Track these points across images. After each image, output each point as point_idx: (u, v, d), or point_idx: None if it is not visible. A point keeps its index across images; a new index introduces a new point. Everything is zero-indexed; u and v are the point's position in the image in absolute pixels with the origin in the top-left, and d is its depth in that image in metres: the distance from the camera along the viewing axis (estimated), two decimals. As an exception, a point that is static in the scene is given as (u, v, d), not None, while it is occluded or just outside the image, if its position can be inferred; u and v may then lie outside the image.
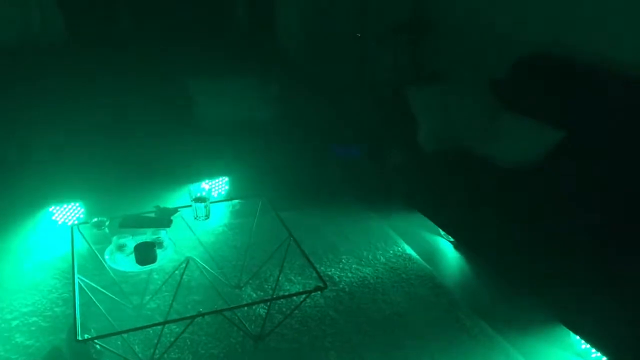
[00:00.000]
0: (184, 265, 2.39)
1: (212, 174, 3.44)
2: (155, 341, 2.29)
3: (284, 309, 2.63)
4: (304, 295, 2.50)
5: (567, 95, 3.06)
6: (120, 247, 2.43)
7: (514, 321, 2.56)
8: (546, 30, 3.46)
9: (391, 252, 3.13)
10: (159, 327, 2.26)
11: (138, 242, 2.40)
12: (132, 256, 2.38)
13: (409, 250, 3.15)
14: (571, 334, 2.32)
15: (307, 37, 4.49)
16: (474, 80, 3.51)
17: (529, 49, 3.45)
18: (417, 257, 3.08)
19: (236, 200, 3.07)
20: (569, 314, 2.25)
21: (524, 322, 2.54)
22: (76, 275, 2.25)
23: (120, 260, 2.41)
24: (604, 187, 2.53)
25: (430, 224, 3.18)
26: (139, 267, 2.38)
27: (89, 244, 2.55)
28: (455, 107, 3.22)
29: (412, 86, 3.38)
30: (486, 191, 2.76)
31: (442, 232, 3.22)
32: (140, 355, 2.33)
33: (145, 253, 2.34)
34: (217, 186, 3.46)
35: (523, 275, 2.50)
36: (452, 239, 3.16)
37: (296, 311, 2.59)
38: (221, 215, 3.39)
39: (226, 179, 3.48)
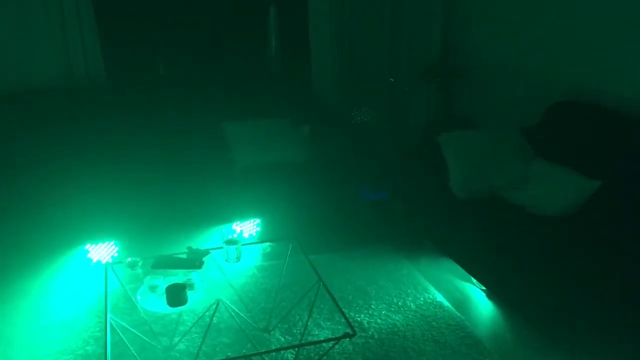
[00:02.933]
0: (214, 307, 2.41)
1: (243, 215, 3.47)
2: (183, 384, 2.29)
3: (312, 355, 2.60)
4: (332, 342, 2.48)
5: (600, 142, 3.04)
6: (152, 288, 2.47)
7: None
8: (577, 76, 3.45)
9: (422, 299, 3.09)
10: (188, 369, 2.26)
11: (169, 283, 2.43)
12: (164, 297, 2.40)
13: (440, 297, 3.10)
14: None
15: (339, 80, 4.56)
16: (505, 126, 3.52)
17: (561, 95, 3.45)
18: (448, 304, 3.04)
19: (267, 243, 3.09)
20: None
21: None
22: (108, 315, 2.28)
23: (152, 300, 2.45)
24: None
25: (462, 271, 3.14)
26: (170, 308, 2.40)
27: (122, 284, 2.58)
28: (487, 153, 3.22)
29: (443, 131, 3.40)
30: (519, 239, 2.73)
31: (474, 280, 3.17)
32: (167, 397, 2.33)
33: (176, 294, 2.36)
34: (248, 228, 3.48)
35: (557, 328, 2.43)
36: (484, 287, 3.11)
37: (324, 357, 2.56)
38: (252, 257, 3.40)
39: (257, 220, 3.51)
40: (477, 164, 3.17)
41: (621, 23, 3.16)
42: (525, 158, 3.21)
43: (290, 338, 2.74)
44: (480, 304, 3.07)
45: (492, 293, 3.05)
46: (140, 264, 2.61)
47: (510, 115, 4.00)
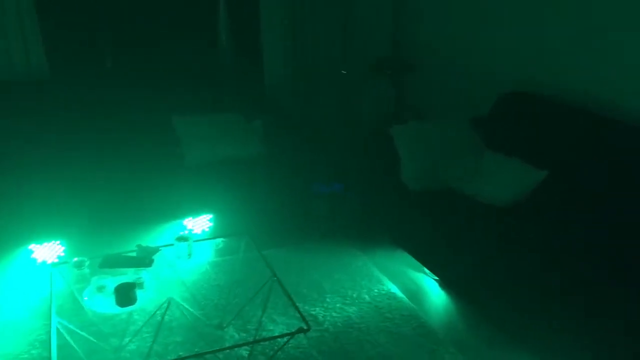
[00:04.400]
0: (165, 305, 2.36)
1: (195, 211, 3.40)
2: (134, 385, 2.24)
3: (267, 350, 2.58)
4: (287, 337, 2.46)
5: (546, 132, 3.11)
6: (100, 288, 2.40)
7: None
8: (524, 68, 3.53)
9: (376, 290, 3.11)
10: (138, 370, 2.21)
11: (118, 282, 2.37)
12: (112, 297, 2.34)
13: (394, 288, 3.12)
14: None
15: (291, 74, 4.53)
16: (456, 118, 3.56)
17: (509, 86, 3.51)
18: (402, 295, 3.06)
19: (220, 239, 3.04)
20: (552, 355, 2.24)
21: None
22: (54, 317, 2.20)
23: (100, 301, 2.38)
24: (589, 226, 2.55)
25: (415, 261, 3.17)
26: (119, 308, 2.34)
27: (69, 285, 2.50)
28: (439, 144, 3.25)
29: (396, 123, 3.41)
30: (469, 229, 2.77)
31: (427, 270, 3.20)
32: (118, 399, 2.27)
33: (125, 294, 2.31)
34: (200, 224, 3.42)
35: (507, 316, 2.48)
36: (436, 277, 3.15)
37: (279, 353, 2.55)
38: (204, 254, 3.34)
39: (210, 216, 3.45)
40: (429, 155, 3.20)
41: (562, 16, 3.24)
42: (476, 149, 3.25)
43: (244, 334, 2.71)
44: (433, 294, 3.11)
45: (444, 283, 3.09)
46: (87, 263, 2.54)
47: (461, 107, 4.06)
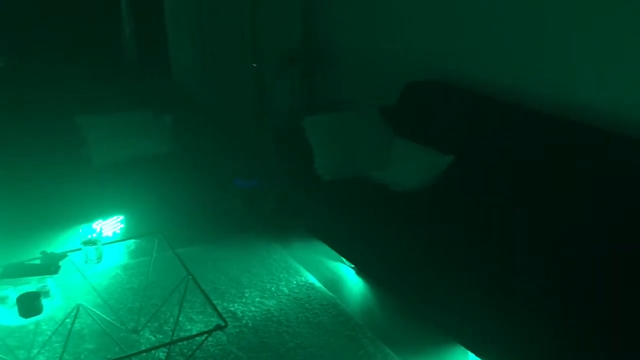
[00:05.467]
0: (73, 313, 2.26)
1: (105, 213, 3.29)
2: (44, 398, 2.14)
3: (185, 351, 2.54)
4: (205, 335, 2.43)
5: (451, 119, 3.22)
6: (2, 300, 2.27)
7: (417, 345, 2.62)
8: (428, 57, 3.64)
9: (294, 282, 3.12)
10: (47, 382, 2.11)
11: (21, 292, 2.25)
12: (15, 308, 2.22)
13: (312, 279, 3.15)
14: (469, 353, 2.39)
15: (200, 67, 4.45)
16: (366, 108, 3.62)
17: (415, 76, 3.61)
18: (320, 285, 3.09)
19: (131, 240, 2.96)
20: (464, 334, 2.33)
21: (424, 344, 2.60)
22: (-50, 335, 2.06)
23: (2, 313, 2.25)
24: (492, 210, 2.67)
25: (332, 251, 3.21)
26: (23, 319, 2.22)
27: (-34, 298, 2.35)
28: (350, 134, 3.30)
29: (307, 115, 3.43)
30: (382, 216, 2.83)
31: (344, 259, 3.25)
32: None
33: (29, 304, 2.19)
34: (110, 226, 3.30)
35: (421, 299, 2.56)
36: (352, 265, 3.20)
37: (198, 352, 2.51)
38: (116, 257, 3.25)
39: (121, 217, 3.34)
40: (341, 145, 3.24)
41: (466, 5, 3.36)
42: (386, 138, 3.33)
43: (161, 336, 2.65)
44: (351, 282, 3.16)
45: (360, 270, 3.15)
46: (-14, 274, 2.39)
47: (372, 97, 4.12)
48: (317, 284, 3.11)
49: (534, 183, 2.68)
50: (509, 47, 3.14)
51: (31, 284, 2.37)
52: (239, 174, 3.93)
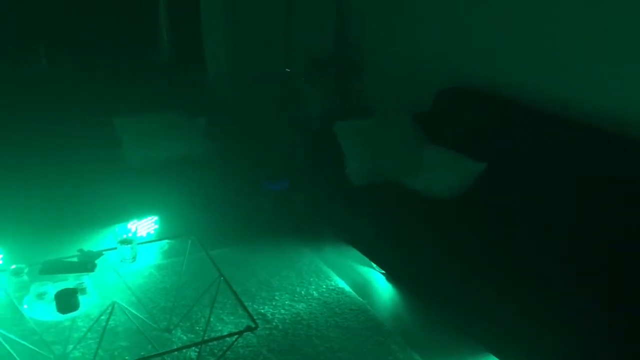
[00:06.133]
0: (109, 310, 2.31)
1: (139, 213, 3.35)
2: (79, 393, 2.19)
3: (216, 351, 2.57)
4: (235, 336, 2.45)
5: (484, 126, 3.20)
6: (40, 295, 2.33)
7: (445, 352, 2.60)
8: (462, 64, 3.62)
9: (324, 286, 3.13)
10: (83, 378, 2.16)
11: (59, 289, 2.31)
12: (53, 304, 2.28)
13: (342, 283, 3.16)
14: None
15: (234, 71, 4.51)
16: (399, 114, 3.62)
17: (448, 82, 3.60)
18: (350, 290, 3.10)
19: (165, 241, 3.01)
20: (494, 342, 2.31)
21: (454, 352, 2.59)
22: (-8, 328, 2.13)
23: (40, 308, 2.31)
24: (526, 217, 2.65)
25: (362, 256, 3.21)
26: (61, 315, 2.28)
27: (7, 293, 2.42)
28: (382, 140, 3.30)
29: (339, 120, 3.44)
30: (413, 223, 2.82)
31: (374, 264, 3.25)
32: (62, 409, 2.22)
33: (66, 300, 2.25)
34: (145, 226, 3.36)
35: (451, 306, 2.55)
36: (383, 271, 3.20)
37: (228, 352, 2.54)
38: (150, 256, 3.30)
39: (155, 218, 3.40)
40: (373, 151, 3.24)
41: (500, 15, 3.34)
42: (418, 144, 3.32)
43: (192, 336, 2.69)
44: (381, 287, 3.16)
45: (391, 276, 3.14)
46: (26, 270, 2.46)
47: (404, 103, 4.12)
48: (347, 288, 3.11)
49: (567, 191, 2.65)
50: (543, 55, 3.11)
51: (68, 281, 2.43)
52: (269, 177, 3.96)
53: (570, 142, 2.78)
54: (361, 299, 3.02)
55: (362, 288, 3.13)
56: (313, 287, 3.13)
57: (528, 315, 2.15)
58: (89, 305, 2.38)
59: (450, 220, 2.76)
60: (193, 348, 2.55)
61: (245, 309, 2.33)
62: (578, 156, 2.71)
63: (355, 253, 3.26)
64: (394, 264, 2.95)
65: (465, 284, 2.42)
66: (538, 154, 2.87)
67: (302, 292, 3.07)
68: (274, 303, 2.98)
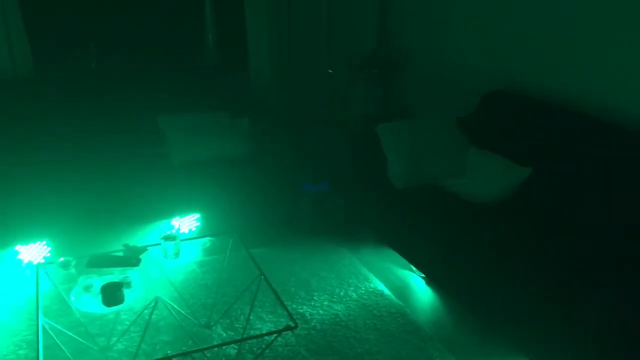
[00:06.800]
0: (152, 304, 2.36)
1: (182, 210, 3.41)
2: (122, 385, 2.24)
3: (255, 349, 2.59)
4: (274, 335, 2.47)
5: (529, 130, 3.14)
6: (87, 288, 2.39)
7: (485, 358, 2.57)
8: (508, 67, 3.56)
9: (363, 288, 3.13)
10: (126, 370, 2.21)
11: (105, 282, 2.36)
12: (99, 297, 2.33)
13: (381, 286, 3.14)
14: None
15: (277, 72, 4.54)
16: (442, 116, 3.58)
17: (493, 85, 3.54)
18: (389, 293, 3.08)
19: (207, 238, 3.05)
20: (538, 351, 2.27)
21: (494, 358, 2.55)
22: (40, 317, 2.19)
23: (87, 300, 2.37)
24: (571, 224, 2.59)
25: (401, 259, 3.20)
26: (106, 307, 2.34)
27: (55, 285, 2.49)
28: (424, 142, 3.27)
29: (382, 122, 3.43)
30: (455, 227, 2.79)
31: (414, 268, 3.23)
32: (106, 399, 2.27)
33: (112, 293, 2.30)
34: (187, 223, 3.42)
35: (492, 312, 2.51)
36: (423, 275, 3.17)
37: (267, 350, 2.56)
38: (191, 253, 3.36)
39: (197, 215, 3.46)
40: (415, 153, 3.22)
41: (546, 18, 3.27)
42: (461, 146, 3.28)
43: (232, 333, 2.72)
44: (420, 291, 3.13)
45: (431, 280, 3.11)
46: (73, 263, 2.53)
47: (448, 105, 4.08)
48: (386, 291, 3.10)
49: (616, 197, 2.58)
50: (595, 61, 3.04)
51: (114, 275, 2.48)
52: (309, 178, 3.98)
53: (620, 150, 2.70)
54: (400, 302, 3.00)
55: (401, 291, 3.11)
56: (352, 288, 3.12)
57: (575, 324, 2.09)
58: (133, 299, 2.43)
59: (495, 225, 2.71)
60: (232, 345, 2.58)
61: (285, 308, 2.34)
62: (628, 163, 2.64)
63: (395, 255, 3.25)
64: (435, 268, 2.92)
65: (509, 290, 2.38)
66: (585, 160, 2.81)
67: (341, 294, 3.07)
68: (312, 303, 2.99)
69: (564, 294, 2.20)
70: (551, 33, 3.25)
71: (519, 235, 2.59)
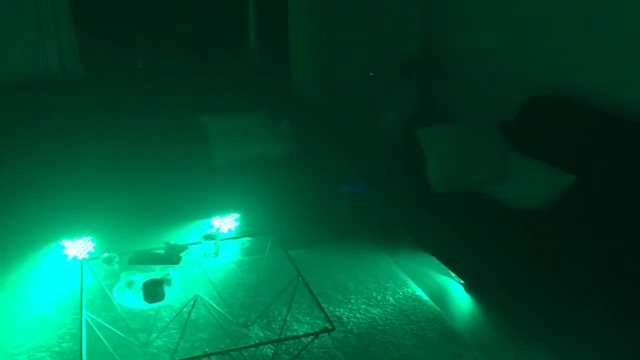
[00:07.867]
0: (191, 303, 2.39)
1: (222, 210, 3.45)
2: (161, 380, 2.27)
3: (292, 350, 2.60)
4: (311, 337, 2.48)
5: (574, 137, 3.07)
6: (129, 284, 2.44)
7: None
8: (552, 72, 3.48)
9: (400, 293, 3.10)
10: (165, 366, 2.24)
11: (147, 278, 2.41)
12: (141, 293, 2.38)
13: (419, 291, 3.12)
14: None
15: (318, 75, 4.55)
16: (483, 121, 3.53)
17: (539, 90, 3.48)
18: (427, 298, 3.05)
19: (246, 238, 3.08)
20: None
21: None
22: (84, 311, 2.25)
23: (129, 296, 2.42)
24: (616, 233, 2.52)
25: (440, 264, 3.16)
26: (147, 304, 2.38)
27: (98, 280, 2.55)
28: (465, 147, 3.23)
29: (422, 126, 3.41)
30: (497, 233, 2.75)
31: (452, 274, 3.19)
32: (145, 394, 2.31)
33: (153, 290, 2.34)
34: (227, 223, 3.46)
35: (533, 321, 2.46)
36: (462, 281, 3.13)
37: (304, 352, 2.56)
38: (231, 252, 3.39)
39: (237, 215, 3.49)
40: (455, 158, 3.18)
41: (591, 23, 3.19)
42: (503, 152, 3.23)
43: (269, 333, 2.73)
44: (459, 298, 3.09)
45: (470, 286, 3.07)
46: (116, 259, 2.58)
47: (488, 110, 4.02)
48: (424, 296, 3.07)
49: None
50: (635, 64, 2.95)
51: (155, 272, 2.53)
52: (348, 179, 3.97)
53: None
54: (438, 308, 2.96)
55: (440, 297, 3.07)
56: (389, 292, 3.10)
57: (622, 335, 2.03)
58: (173, 296, 2.47)
59: (538, 232, 2.66)
60: (269, 345, 2.60)
61: (322, 310, 2.34)
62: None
63: (433, 261, 3.21)
64: (475, 274, 2.88)
65: (552, 298, 2.33)
66: (632, 168, 2.72)
67: (378, 297, 3.06)
68: (349, 306, 2.98)
69: (614, 304, 2.14)
70: (598, 39, 3.17)
71: (565, 243, 2.53)
